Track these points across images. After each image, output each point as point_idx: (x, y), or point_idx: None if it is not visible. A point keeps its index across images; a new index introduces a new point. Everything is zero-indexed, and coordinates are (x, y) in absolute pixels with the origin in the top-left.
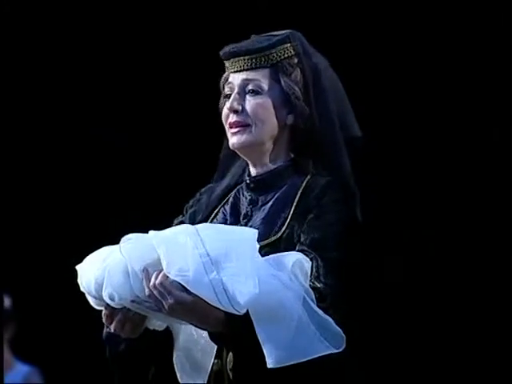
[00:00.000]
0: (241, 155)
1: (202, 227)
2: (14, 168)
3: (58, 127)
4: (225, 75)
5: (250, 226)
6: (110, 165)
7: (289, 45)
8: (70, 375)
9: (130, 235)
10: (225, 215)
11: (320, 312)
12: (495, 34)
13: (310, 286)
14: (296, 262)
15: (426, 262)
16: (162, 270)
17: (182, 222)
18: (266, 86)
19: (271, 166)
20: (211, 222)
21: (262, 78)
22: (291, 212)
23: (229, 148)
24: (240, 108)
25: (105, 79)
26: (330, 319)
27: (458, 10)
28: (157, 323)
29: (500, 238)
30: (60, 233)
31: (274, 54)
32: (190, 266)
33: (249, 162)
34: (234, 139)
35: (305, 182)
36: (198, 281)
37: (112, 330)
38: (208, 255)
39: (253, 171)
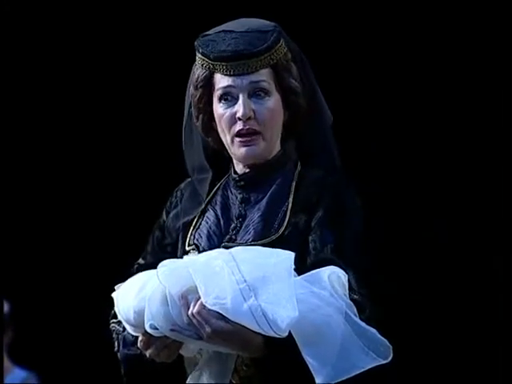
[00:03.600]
0: (241, 162)
1: (237, 251)
2: (14, 174)
3: (61, 140)
4: (205, 73)
5: (247, 226)
6: (110, 173)
7: (282, 41)
8: (67, 381)
9: (166, 261)
10: (216, 216)
11: (363, 324)
12: (495, 35)
13: None
14: (332, 275)
15: (426, 263)
16: (199, 297)
17: (160, 226)
18: (271, 87)
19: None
20: (201, 220)
21: (267, 79)
22: (289, 208)
23: (202, 141)
24: (253, 114)
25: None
26: (374, 330)
27: (457, 10)
28: (191, 349)
29: (500, 239)
30: (60, 238)
31: (275, 54)
32: (227, 293)
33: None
34: (245, 151)
35: (297, 174)
36: (236, 309)
37: (147, 356)
38: (245, 281)
39: (239, 168)
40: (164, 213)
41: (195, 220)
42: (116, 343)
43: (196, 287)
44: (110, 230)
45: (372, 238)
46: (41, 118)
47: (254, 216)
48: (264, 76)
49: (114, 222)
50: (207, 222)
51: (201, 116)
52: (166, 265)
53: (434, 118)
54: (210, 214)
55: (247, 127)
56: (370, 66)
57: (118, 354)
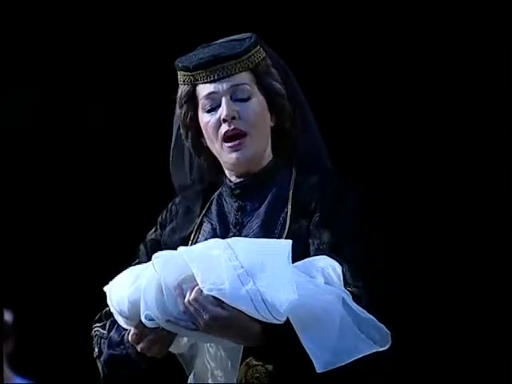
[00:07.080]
0: (234, 169)
1: (233, 241)
2: (14, 180)
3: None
4: (187, 89)
5: (246, 235)
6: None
7: (259, 46)
8: None
9: (161, 252)
10: (212, 225)
11: (361, 311)
12: (495, 35)
13: None
14: (327, 265)
15: (425, 263)
16: (195, 285)
17: (156, 239)
18: (253, 89)
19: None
20: (198, 233)
21: (248, 82)
22: (288, 215)
23: (187, 152)
24: (237, 115)
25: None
26: (372, 317)
27: (457, 11)
28: (182, 343)
29: (500, 240)
30: (62, 249)
31: (253, 57)
32: (225, 279)
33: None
34: (235, 156)
35: (293, 181)
36: (234, 293)
37: (139, 350)
38: (242, 267)
39: (234, 177)
40: (158, 225)
41: (192, 234)
42: (97, 348)
43: (192, 276)
44: (112, 241)
45: (374, 236)
46: (38, 122)
47: (253, 224)
48: (245, 79)
49: (116, 236)
50: (203, 235)
51: (189, 133)
52: (161, 255)
53: (434, 120)
54: (205, 226)
55: (232, 127)
56: (364, 66)
57: (100, 359)
